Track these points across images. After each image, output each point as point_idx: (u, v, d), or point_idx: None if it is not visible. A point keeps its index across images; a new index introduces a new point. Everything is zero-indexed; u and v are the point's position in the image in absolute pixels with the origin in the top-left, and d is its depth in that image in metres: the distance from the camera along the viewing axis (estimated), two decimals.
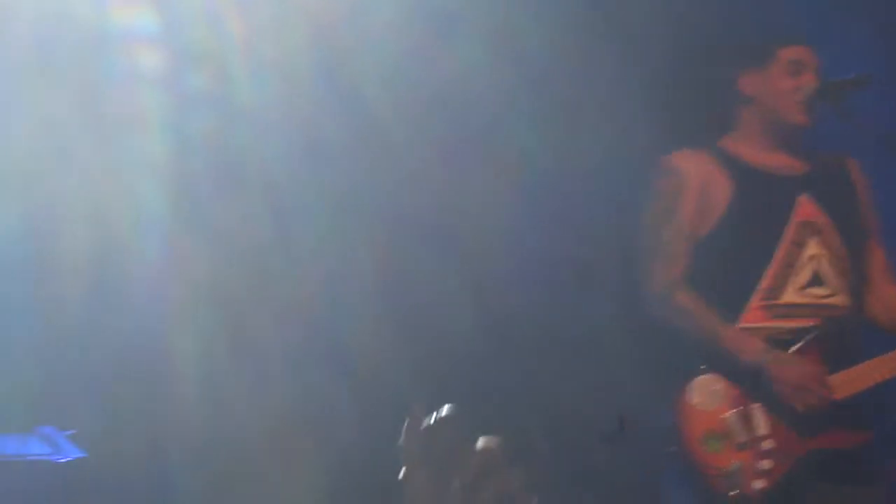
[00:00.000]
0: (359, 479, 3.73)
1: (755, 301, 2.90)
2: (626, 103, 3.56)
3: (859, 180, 3.12)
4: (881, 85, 3.11)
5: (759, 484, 2.78)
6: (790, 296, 2.91)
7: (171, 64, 3.82)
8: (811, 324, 2.89)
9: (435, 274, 4.06)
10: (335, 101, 3.90)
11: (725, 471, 2.77)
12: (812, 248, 2.95)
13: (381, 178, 3.99)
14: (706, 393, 2.83)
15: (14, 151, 3.74)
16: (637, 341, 3.25)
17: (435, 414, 1.13)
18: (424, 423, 1.12)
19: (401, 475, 1.12)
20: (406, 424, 1.12)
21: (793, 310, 2.91)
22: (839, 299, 2.95)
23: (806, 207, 2.99)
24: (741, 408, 2.83)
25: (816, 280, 2.94)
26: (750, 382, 2.82)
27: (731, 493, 2.77)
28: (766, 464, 2.78)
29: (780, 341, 2.87)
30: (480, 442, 1.11)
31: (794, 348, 2.85)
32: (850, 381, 2.84)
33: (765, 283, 2.91)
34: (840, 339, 2.90)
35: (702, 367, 2.82)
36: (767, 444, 2.80)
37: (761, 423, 2.81)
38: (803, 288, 2.92)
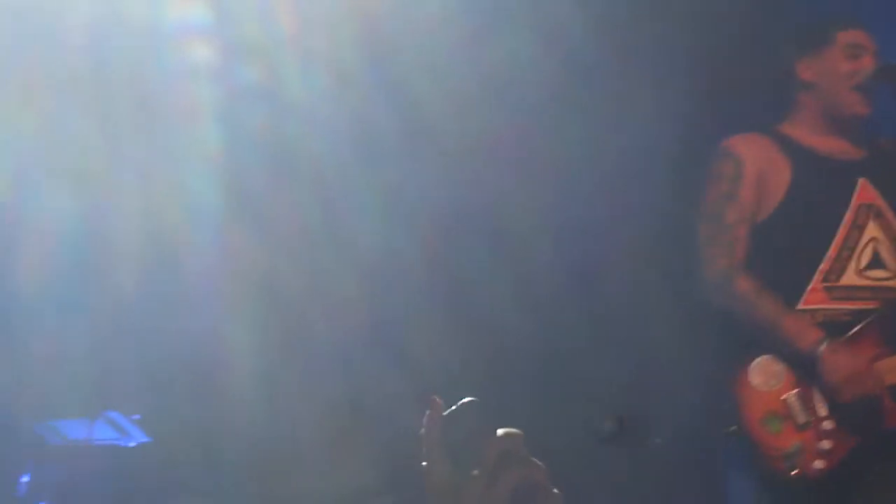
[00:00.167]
0: (408, 468, 3.75)
1: (815, 283, 2.90)
2: (679, 91, 3.57)
3: None
4: None
5: (819, 464, 2.76)
6: (850, 278, 2.90)
7: (222, 58, 3.86)
8: (871, 306, 2.89)
9: (483, 263, 4.08)
10: (384, 93, 3.93)
11: (786, 451, 2.76)
12: (872, 230, 2.94)
13: (428, 169, 4.01)
14: (766, 374, 2.83)
15: (70, 147, 3.79)
16: (690, 327, 3.26)
17: (455, 405, 1.14)
18: (444, 414, 1.14)
19: (423, 465, 1.13)
20: (426, 415, 1.14)
21: (853, 292, 2.90)
22: None
23: (866, 190, 2.98)
24: (801, 388, 2.83)
25: (876, 262, 2.93)
26: (809, 368, 2.82)
27: (792, 474, 2.76)
28: (826, 444, 2.77)
29: (839, 323, 2.86)
30: (500, 432, 1.11)
31: (853, 331, 2.85)
32: None
33: (825, 265, 2.91)
34: None
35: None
36: (828, 425, 2.80)
37: (821, 403, 2.81)
38: (863, 270, 2.91)
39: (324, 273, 3.99)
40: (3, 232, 3.56)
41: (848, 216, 2.93)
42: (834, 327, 2.86)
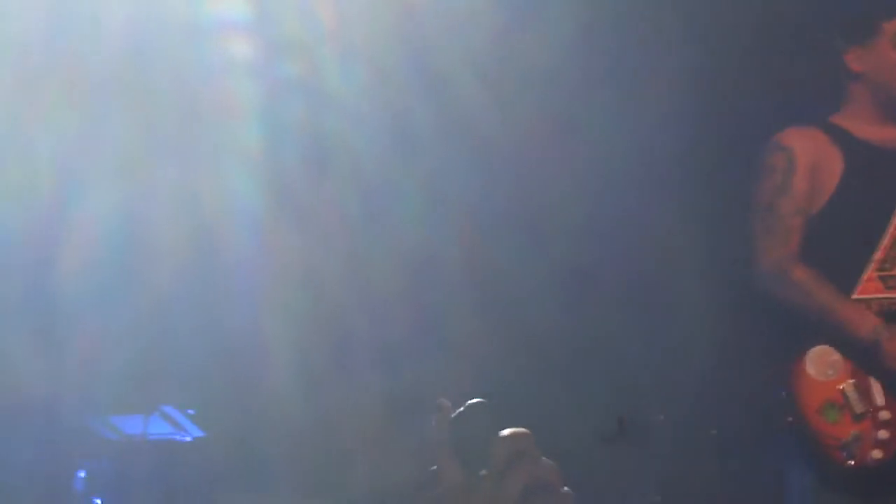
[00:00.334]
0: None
1: (870, 273, 2.90)
2: (732, 84, 3.56)
3: None
4: None
5: (877, 454, 2.77)
6: None
7: (262, 55, 3.86)
8: None
9: (521, 257, 4.07)
10: (424, 88, 3.92)
11: (843, 441, 2.77)
12: None
13: (468, 163, 4.01)
14: (823, 363, 2.84)
15: (111, 144, 3.79)
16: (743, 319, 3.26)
17: (462, 407, 1.14)
18: (453, 416, 1.13)
19: (432, 467, 1.12)
20: (435, 417, 1.14)
21: None
22: None
23: None
24: (858, 378, 2.83)
25: None
26: (865, 358, 2.82)
27: (849, 463, 2.76)
28: (884, 434, 2.78)
29: (894, 312, 2.87)
30: (509, 432, 1.11)
31: None
32: None
33: (879, 254, 2.91)
34: None
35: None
36: (885, 415, 2.80)
37: (879, 393, 2.81)
38: None
39: (363, 267, 3.99)
40: (50, 231, 3.57)
41: None
42: (889, 316, 2.86)
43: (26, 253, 3.58)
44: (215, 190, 3.85)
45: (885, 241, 2.92)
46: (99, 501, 3.07)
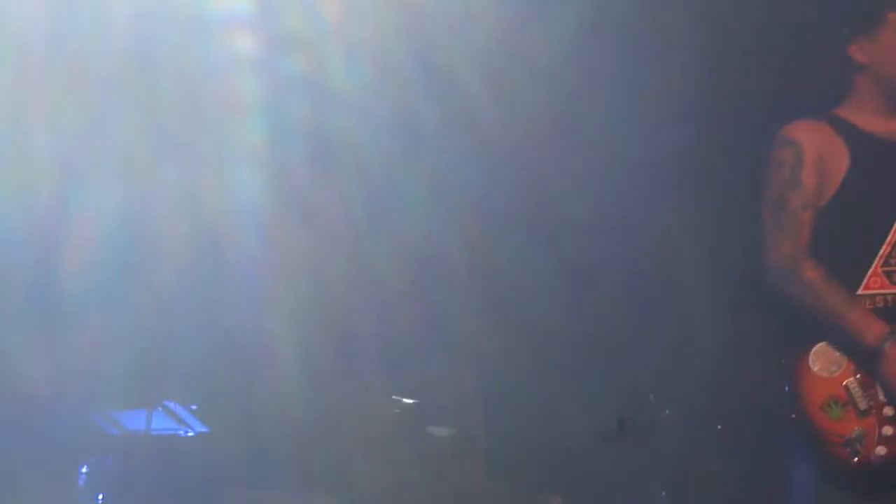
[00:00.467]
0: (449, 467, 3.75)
1: (875, 267, 2.89)
2: (735, 81, 3.55)
3: None
4: None
5: (881, 451, 2.76)
6: None
7: (266, 50, 3.86)
8: None
9: (524, 256, 4.07)
10: (427, 85, 3.92)
11: (847, 438, 2.76)
12: None
13: (472, 159, 4.01)
14: (827, 360, 2.83)
15: (115, 140, 3.79)
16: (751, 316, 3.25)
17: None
18: None
19: None
20: None
21: None
22: None
23: None
24: (862, 374, 2.82)
25: None
26: (868, 364, 2.81)
27: (853, 461, 2.75)
28: (888, 430, 2.77)
29: None
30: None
31: None
32: None
33: (885, 249, 2.90)
34: None
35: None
36: (889, 411, 2.79)
37: (882, 389, 2.80)
38: None
39: (367, 263, 3.99)
40: (53, 226, 3.57)
41: None
42: (894, 311, 2.86)
43: (29, 251, 3.57)
44: (218, 187, 3.85)
45: (892, 235, 2.91)
46: (102, 496, 3.07)
